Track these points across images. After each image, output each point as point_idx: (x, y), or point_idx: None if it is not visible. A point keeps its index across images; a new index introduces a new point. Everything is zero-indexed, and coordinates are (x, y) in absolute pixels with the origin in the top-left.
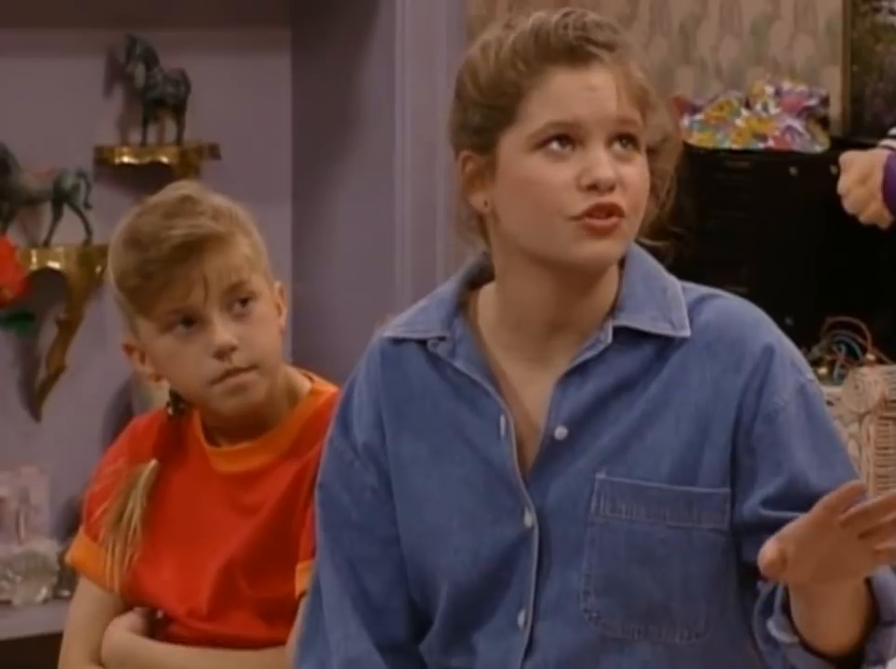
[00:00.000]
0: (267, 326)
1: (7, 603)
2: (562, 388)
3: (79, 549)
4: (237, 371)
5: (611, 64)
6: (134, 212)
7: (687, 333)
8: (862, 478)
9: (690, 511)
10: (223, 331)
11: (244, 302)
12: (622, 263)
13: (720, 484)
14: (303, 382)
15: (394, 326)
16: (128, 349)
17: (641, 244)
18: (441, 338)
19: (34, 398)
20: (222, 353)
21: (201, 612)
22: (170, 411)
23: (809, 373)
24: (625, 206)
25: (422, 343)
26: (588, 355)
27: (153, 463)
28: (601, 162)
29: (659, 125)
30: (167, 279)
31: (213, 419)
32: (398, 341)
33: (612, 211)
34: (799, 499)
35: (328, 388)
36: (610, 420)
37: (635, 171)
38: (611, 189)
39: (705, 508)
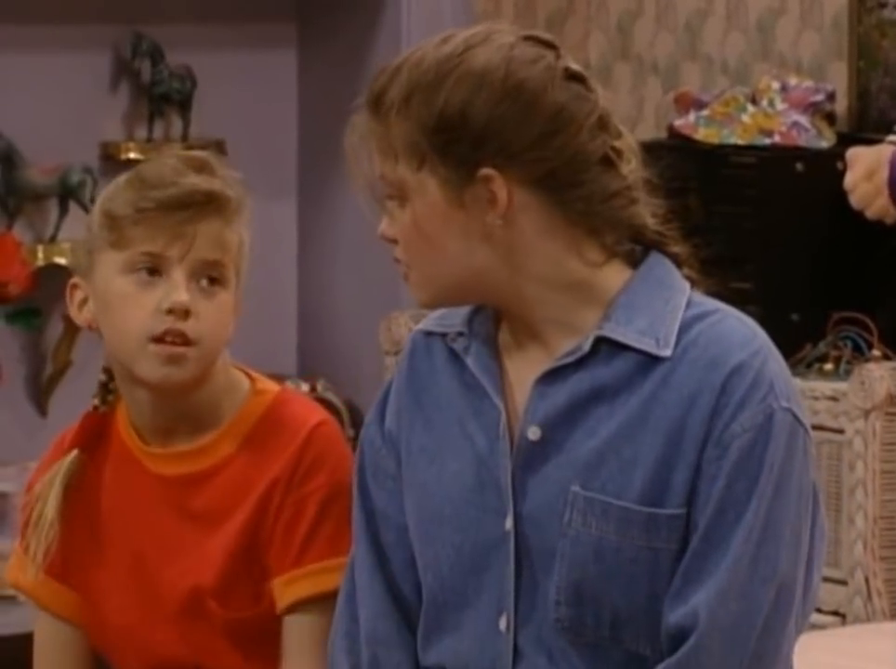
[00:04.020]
0: (223, 315)
1: (13, 599)
2: (540, 390)
3: (15, 567)
4: (179, 337)
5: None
6: (152, 159)
7: (668, 352)
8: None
9: (658, 532)
10: (186, 292)
11: (213, 281)
12: (635, 265)
13: (687, 504)
14: (242, 380)
15: (429, 318)
16: (74, 288)
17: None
18: (461, 334)
19: (41, 393)
20: (176, 311)
21: (170, 634)
22: (96, 401)
23: (787, 401)
24: None
25: (446, 337)
26: (566, 361)
27: (74, 453)
28: None
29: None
30: (157, 222)
31: (137, 413)
32: (429, 334)
33: None
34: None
35: (272, 387)
36: (587, 430)
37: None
38: None
39: (674, 529)
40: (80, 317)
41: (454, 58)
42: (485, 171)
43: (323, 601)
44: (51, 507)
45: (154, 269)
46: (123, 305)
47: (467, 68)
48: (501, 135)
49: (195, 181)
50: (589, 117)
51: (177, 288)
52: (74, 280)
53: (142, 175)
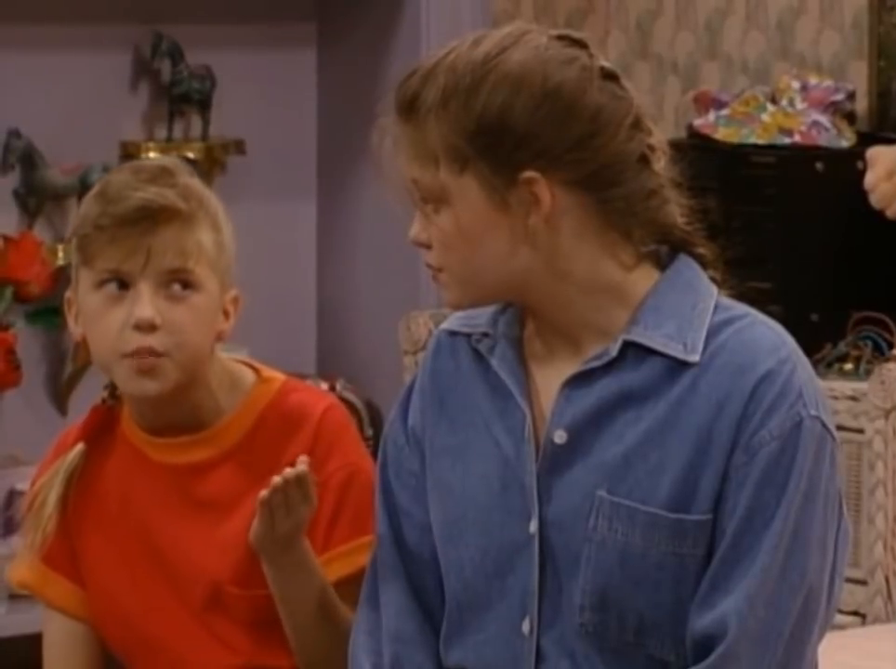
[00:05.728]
0: (200, 319)
1: (31, 598)
2: (567, 393)
3: (22, 568)
4: (150, 352)
5: None
6: (117, 168)
7: (696, 358)
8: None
9: (684, 538)
10: (149, 305)
11: (185, 286)
12: (662, 267)
13: (713, 510)
14: (245, 372)
15: (454, 318)
16: (69, 303)
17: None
18: (486, 334)
19: (61, 392)
20: (142, 327)
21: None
22: (105, 394)
23: (815, 409)
24: None
25: (471, 337)
26: (594, 364)
27: (79, 446)
28: None
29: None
30: (114, 236)
31: (138, 412)
32: (453, 334)
33: None
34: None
35: (278, 376)
36: (615, 434)
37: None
38: None
39: (700, 535)
40: (75, 331)
41: (489, 60)
42: (528, 174)
43: (350, 583)
44: (52, 498)
45: (123, 283)
46: (97, 320)
47: (505, 70)
48: (542, 138)
49: (146, 195)
50: (626, 117)
51: (141, 302)
52: (69, 294)
53: (105, 188)
